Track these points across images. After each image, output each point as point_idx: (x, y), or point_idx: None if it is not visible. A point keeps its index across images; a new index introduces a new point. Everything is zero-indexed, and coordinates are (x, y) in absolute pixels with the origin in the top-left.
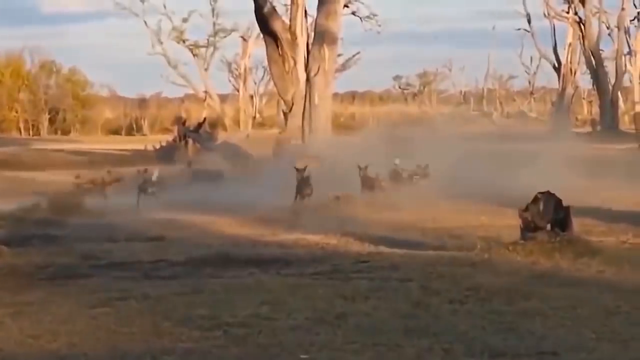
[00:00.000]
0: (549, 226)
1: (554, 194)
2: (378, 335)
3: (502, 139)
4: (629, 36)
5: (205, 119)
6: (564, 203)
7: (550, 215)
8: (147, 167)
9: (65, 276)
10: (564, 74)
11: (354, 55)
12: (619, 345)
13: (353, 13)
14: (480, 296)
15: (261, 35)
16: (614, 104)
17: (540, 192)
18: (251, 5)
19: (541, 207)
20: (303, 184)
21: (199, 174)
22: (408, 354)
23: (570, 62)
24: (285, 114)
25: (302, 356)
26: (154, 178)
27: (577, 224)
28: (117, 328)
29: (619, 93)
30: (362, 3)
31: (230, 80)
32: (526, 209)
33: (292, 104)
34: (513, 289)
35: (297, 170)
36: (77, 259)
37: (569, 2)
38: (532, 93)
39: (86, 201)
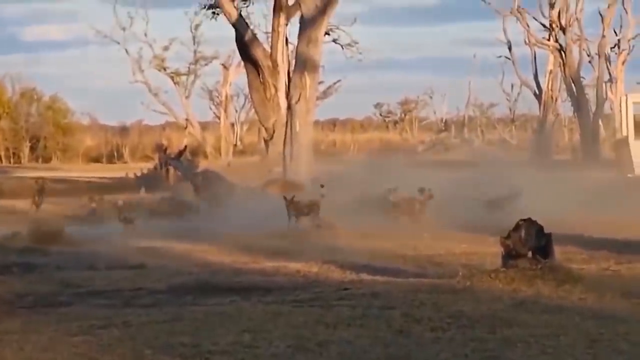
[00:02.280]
0: (530, 253)
1: (535, 221)
2: None
3: (483, 167)
4: (610, 63)
5: (186, 146)
6: (546, 230)
7: (531, 243)
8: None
9: (46, 304)
10: (544, 102)
11: (335, 83)
12: None
13: (334, 41)
14: (462, 324)
15: (242, 63)
16: (594, 131)
17: (522, 219)
18: (232, 33)
19: (523, 234)
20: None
21: (180, 202)
22: None
23: (551, 90)
24: (266, 142)
25: None
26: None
27: (559, 251)
28: (98, 356)
29: (600, 120)
30: (343, 31)
31: (211, 108)
32: (508, 236)
33: (273, 132)
34: (495, 316)
35: (286, 199)
36: (58, 287)
37: (549, 30)
38: (513, 120)
39: (66, 229)
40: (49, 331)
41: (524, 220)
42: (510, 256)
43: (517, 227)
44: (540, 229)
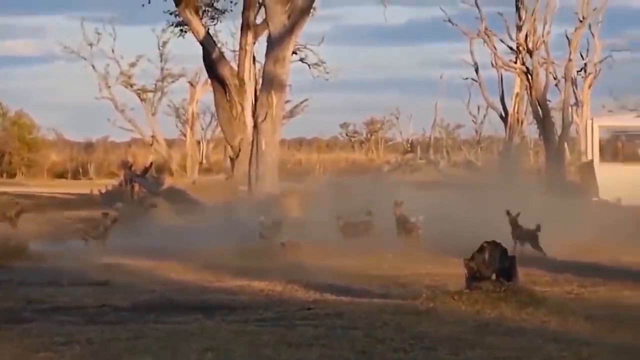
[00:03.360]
0: (494, 276)
1: (499, 244)
2: None
3: (449, 188)
4: (576, 87)
5: (151, 163)
6: (509, 252)
7: (495, 265)
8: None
9: (9, 320)
10: (511, 124)
11: (301, 102)
12: None
13: (301, 60)
14: (425, 345)
15: (209, 81)
16: (560, 154)
17: (486, 242)
18: (199, 51)
19: (487, 256)
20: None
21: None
22: None
23: (517, 112)
24: (232, 160)
25: None
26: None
27: (523, 274)
28: None
29: (565, 144)
30: (311, 50)
31: (177, 126)
32: (472, 258)
33: (239, 150)
34: (458, 338)
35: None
36: (21, 303)
37: (516, 53)
38: (479, 142)
39: (30, 245)
40: (11, 347)
41: (488, 242)
42: (474, 278)
43: (481, 249)
44: (504, 251)
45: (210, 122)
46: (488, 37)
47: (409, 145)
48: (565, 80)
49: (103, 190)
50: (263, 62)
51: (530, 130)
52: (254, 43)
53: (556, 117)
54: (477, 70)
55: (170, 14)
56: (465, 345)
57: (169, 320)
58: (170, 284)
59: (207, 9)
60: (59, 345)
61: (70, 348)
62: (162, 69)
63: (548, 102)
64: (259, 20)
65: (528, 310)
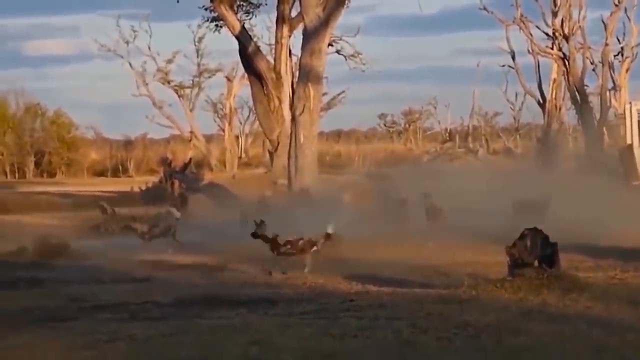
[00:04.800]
0: (536, 262)
1: (541, 230)
2: None
3: (490, 176)
4: (613, 71)
5: (190, 159)
6: (551, 239)
7: (537, 252)
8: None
9: (52, 319)
10: (549, 110)
11: (339, 94)
12: None
13: (337, 52)
14: (469, 333)
15: (246, 75)
16: (599, 139)
17: (527, 229)
18: (235, 46)
19: (528, 243)
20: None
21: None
22: None
23: (555, 98)
24: (271, 154)
25: None
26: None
27: (565, 260)
28: None
29: (604, 128)
30: (347, 42)
31: (215, 121)
32: (513, 245)
33: (278, 144)
34: (501, 325)
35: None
36: (64, 302)
37: (553, 39)
38: (517, 129)
39: (72, 243)
40: (56, 345)
41: (530, 229)
42: (516, 265)
43: (522, 236)
44: (545, 237)
45: (248, 116)
46: (524, 23)
47: (447, 134)
48: (603, 64)
49: (143, 188)
50: (299, 55)
51: (569, 116)
52: (290, 36)
53: (594, 102)
54: (513, 58)
55: (205, 9)
56: (509, 333)
57: (212, 315)
58: (212, 279)
59: (241, 3)
60: (103, 343)
61: (115, 345)
62: (198, 64)
63: (586, 88)
64: (294, 13)
65: (571, 297)
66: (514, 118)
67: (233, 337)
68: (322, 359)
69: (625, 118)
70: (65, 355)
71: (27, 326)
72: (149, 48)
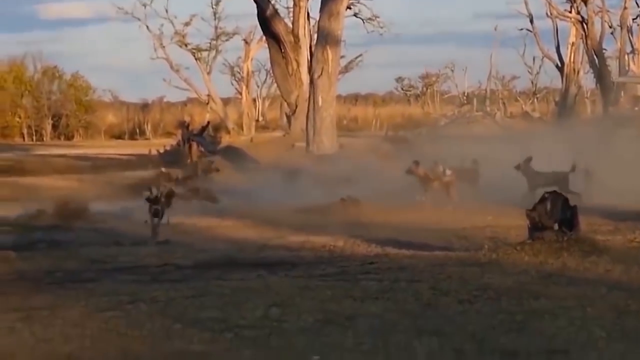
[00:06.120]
0: (556, 225)
1: (561, 194)
2: (389, 336)
3: (508, 140)
4: (632, 35)
5: (209, 122)
6: (571, 202)
7: (557, 215)
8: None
9: (73, 280)
10: (567, 74)
11: (356, 58)
12: (631, 344)
13: (355, 15)
14: (489, 296)
15: (263, 38)
16: (616, 102)
17: (547, 192)
18: (253, 9)
19: (548, 206)
20: None
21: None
22: (419, 354)
23: (573, 62)
24: (288, 117)
25: (313, 357)
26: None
27: (584, 223)
28: (128, 331)
29: (622, 92)
30: (364, 5)
31: (232, 84)
32: (533, 208)
33: (296, 107)
34: (522, 288)
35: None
36: (84, 264)
37: (571, 2)
38: (535, 93)
39: (90, 206)
40: (78, 307)
41: (549, 192)
42: (536, 228)
43: (542, 200)
44: (565, 201)
45: (265, 79)
46: None
47: (464, 97)
48: (621, 28)
49: (161, 150)
50: (317, 17)
51: (587, 79)
52: None
53: (612, 65)
54: (531, 21)
55: None
56: (529, 296)
57: (232, 277)
58: (231, 242)
59: None
60: (124, 304)
61: (136, 306)
62: (215, 27)
63: (604, 51)
64: None
65: (591, 260)
66: (532, 82)
67: (254, 299)
68: (344, 321)
69: None
70: (88, 315)
71: (49, 287)
72: (166, 11)
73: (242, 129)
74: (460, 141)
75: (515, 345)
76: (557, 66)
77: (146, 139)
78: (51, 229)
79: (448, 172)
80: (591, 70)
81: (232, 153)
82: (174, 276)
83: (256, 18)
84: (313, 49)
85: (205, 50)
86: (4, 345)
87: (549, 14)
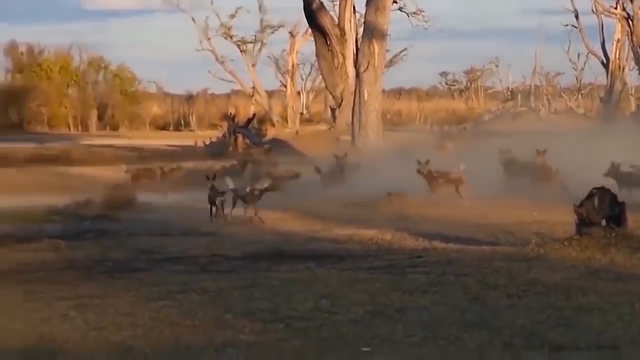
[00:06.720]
0: (604, 222)
1: (609, 190)
2: (438, 328)
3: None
4: None
5: (254, 114)
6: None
7: (605, 211)
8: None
9: (122, 270)
10: (612, 70)
11: (401, 52)
12: None
13: (400, 9)
14: (538, 291)
15: (308, 31)
16: None
17: (595, 188)
18: (299, 1)
19: (596, 202)
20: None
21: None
22: (469, 347)
23: (619, 58)
24: (333, 110)
25: (363, 349)
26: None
27: (632, 219)
28: (179, 320)
29: None
30: None
31: (277, 76)
32: (581, 204)
33: (341, 100)
34: (570, 284)
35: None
36: (133, 253)
37: None
38: (579, 89)
39: (139, 196)
40: (129, 296)
41: (598, 188)
42: (583, 224)
43: (590, 196)
44: (613, 197)
45: (310, 72)
46: None
47: (509, 93)
48: None
49: (207, 142)
50: (363, 11)
51: (632, 76)
52: None
53: None
54: (577, 17)
55: None
56: (577, 292)
57: (281, 269)
58: (279, 234)
59: None
60: (175, 294)
61: (187, 296)
62: (261, 20)
63: None
64: None
65: (638, 256)
66: (576, 78)
67: (303, 291)
68: (393, 313)
69: None
70: (139, 304)
71: (99, 276)
72: (212, 3)
73: (287, 122)
74: (517, 136)
75: (563, 340)
76: (602, 62)
77: (191, 130)
78: (99, 218)
79: (462, 167)
80: (636, 67)
81: (278, 146)
82: (223, 267)
83: (302, 11)
84: (359, 42)
85: (251, 42)
86: (58, 332)
87: (594, 10)
